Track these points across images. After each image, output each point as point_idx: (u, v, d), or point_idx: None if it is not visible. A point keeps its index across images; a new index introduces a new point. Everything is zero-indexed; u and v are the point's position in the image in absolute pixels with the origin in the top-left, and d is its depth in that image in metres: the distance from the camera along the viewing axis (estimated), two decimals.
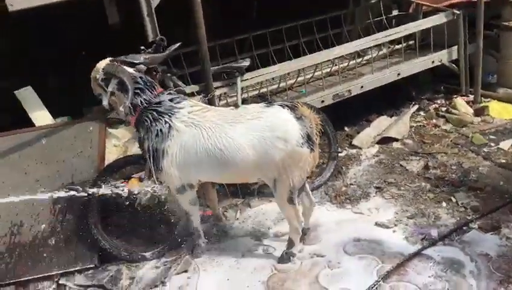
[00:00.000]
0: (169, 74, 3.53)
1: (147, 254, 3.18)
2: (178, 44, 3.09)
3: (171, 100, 2.85)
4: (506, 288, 2.50)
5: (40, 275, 3.13)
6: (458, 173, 3.65)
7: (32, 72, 4.40)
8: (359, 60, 4.48)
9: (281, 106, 2.76)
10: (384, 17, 5.12)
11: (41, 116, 4.11)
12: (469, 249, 2.83)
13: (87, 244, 3.22)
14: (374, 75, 4.36)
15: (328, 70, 4.35)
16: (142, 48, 3.10)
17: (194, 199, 3.04)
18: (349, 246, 3.02)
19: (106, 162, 3.66)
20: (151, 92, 2.84)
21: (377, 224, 3.20)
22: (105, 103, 2.85)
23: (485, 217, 3.08)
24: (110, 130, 4.01)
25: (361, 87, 4.27)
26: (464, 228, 3.02)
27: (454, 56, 4.73)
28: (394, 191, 3.53)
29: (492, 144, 3.99)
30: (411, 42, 4.75)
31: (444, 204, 3.31)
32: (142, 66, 2.87)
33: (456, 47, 4.70)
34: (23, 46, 4.59)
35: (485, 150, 3.93)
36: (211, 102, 3.53)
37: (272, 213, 3.48)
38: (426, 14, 4.87)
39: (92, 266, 3.15)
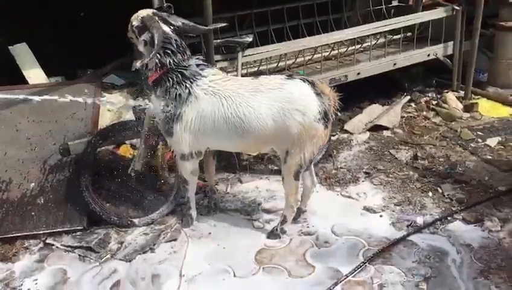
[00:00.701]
0: None
1: (137, 220, 3.20)
2: (224, 24, 3.19)
3: (197, 66, 2.84)
4: (486, 277, 2.60)
5: (27, 233, 3.12)
6: (445, 165, 3.74)
7: (29, 30, 4.31)
8: (357, 46, 4.50)
9: (301, 80, 2.79)
10: (384, 6, 5.15)
11: (35, 74, 4.05)
12: (452, 239, 2.92)
13: (76, 206, 3.22)
14: (371, 63, 4.40)
15: (326, 54, 4.37)
16: None
17: (196, 169, 3.05)
18: (337, 227, 3.09)
19: (99, 126, 3.66)
20: (181, 56, 2.81)
21: (365, 208, 3.27)
22: (139, 48, 2.82)
23: (470, 209, 3.18)
24: (104, 94, 3.98)
25: (358, 73, 4.31)
26: (449, 218, 3.11)
27: (450, 51, 4.80)
28: (383, 177, 3.61)
29: (480, 140, 4.09)
30: (408, 34, 4.80)
31: (430, 194, 3.40)
32: (181, 29, 2.83)
33: (451, 42, 4.77)
34: (22, 4, 4.48)
35: (472, 145, 4.02)
36: None
37: (262, 190, 3.53)
38: (425, 7, 4.93)
39: (80, 227, 3.15)
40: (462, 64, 4.88)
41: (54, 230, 3.13)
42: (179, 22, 2.83)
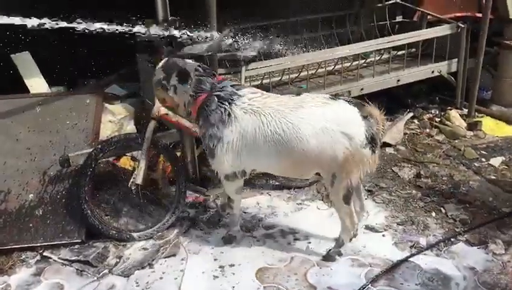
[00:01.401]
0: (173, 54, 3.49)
1: (136, 235, 3.15)
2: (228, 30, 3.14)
3: (232, 86, 2.79)
4: None
5: (24, 245, 3.07)
6: (449, 184, 3.70)
7: (31, 38, 4.28)
8: (361, 62, 4.48)
9: (346, 101, 2.70)
10: (388, 22, 5.15)
11: (36, 83, 4.03)
12: (456, 261, 2.88)
13: (75, 219, 3.17)
14: (374, 79, 4.38)
15: (330, 68, 4.35)
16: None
17: (240, 187, 3.00)
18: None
19: (100, 137, 3.63)
20: (212, 78, 2.79)
21: (367, 227, 3.23)
22: (174, 99, 2.83)
23: (473, 231, 3.14)
24: (106, 105, 3.95)
25: (361, 89, 4.29)
26: (452, 239, 3.07)
27: (454, 68, 4.78)
28: (385, 196, 3.57)
29: (484, 160, 4.06)
30: (412, 50, 4.79)
31: (433, 214, 3.36)
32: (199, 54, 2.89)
33: (456, 60, 4.75)
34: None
35: (476, 164, 3.99)
36: None
37: (263, 206, 3.49)
38: (430, 24, 4.92)
39: (78, 241, 3.10)
40: (465, 82, 4.86)
41: (52, 243, 3.09)
42: (193, 50, 2.87)
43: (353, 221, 2.88)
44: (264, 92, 2.87)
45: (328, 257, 2.92)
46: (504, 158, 4.07)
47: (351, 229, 2.91)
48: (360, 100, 2.78)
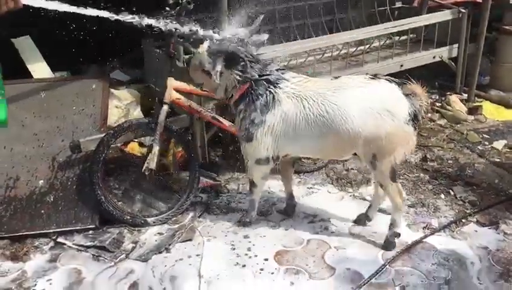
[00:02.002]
0: (181, 39, 3.45)
1: (150, 220, 3.14)
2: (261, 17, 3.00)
3: (277, 70, 2.78)
4: (506, 280, 2.62)
5: (37, 232, 3.04)
6: (455, 167, 3.76)
7: (32, 22, 4.19)
8: (365, 47, 4.49)
9: (387, 80, 2.70)
10: (388, 7, 5.17)
11: (39, 68, 3.95)
12: (469, 241, 2.94)
13: (88, 204, 3.15)
14: (378, 64, 4.40)
15: (335, 54, 4.36)
16: (167, 8, 3.04)
17: (267, 175, 2.99)
18: (354, 229, 3.08)
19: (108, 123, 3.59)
20: (259, 64, 2.76)
21: (379, 210, 3.25)
22: (219, 84, 2.78)
23: (483, 212, 3.20)
24: (112, 90, 3.91)
25: (366, 74, 4.29)
26: (463, 220, 3.13)
27: (454, 54, 4.83)
28: None
29: (487, 143, 4.13)
30: (412, 36, 4.81)
31: (442, 196, 3.41)
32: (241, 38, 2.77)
33: (456, 45, 4.80)
34: None
35: (480, 148, 4.06)
36: None
37: (275, 190, 3.50)
38: (430, 10, 4.95)
39: (92, 226, 3.08)
40: (465, 67, 4.92)
41: (65, 229, 3.06)
42: (235, 36, 2.76)
43: (403, 198, 2.87)
44: (305, 76, 2.87)
45: (387, 242, 2.88)
46: (506, 141, 4.14)
47: (402, 206, 2.88)
48: (402, 78, 2.78)
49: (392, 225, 2.89)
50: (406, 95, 2.65)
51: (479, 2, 4.75)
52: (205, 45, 2.80)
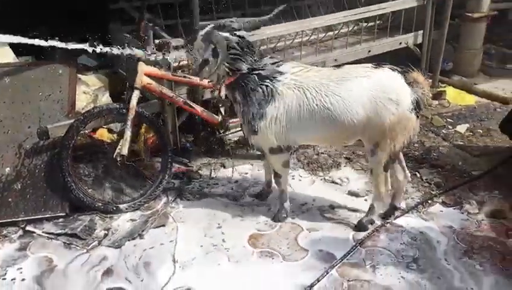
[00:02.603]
0: (151, 24, 3.41)
1: (122, 206, 3.12)
2: (282, 7, 2.99)
3: (273, 64, 2.72)
4: (470, 257, 2.74)
5: (5, 221, 2.97)
6: (420, 150, 3.88)
7: None
8: (334, 32, 4.55)
9: (391, 68, 2.69)
10: None
11: (2, 53, 3.81)
12: (435, 221, 3.05)
13: (57, 192, 3.10)
14: (347, 50, 4.47)
15: (305, 40, 4.39)
16: None
17: (287, 162, 2.93)
18: (326, 211, 3.15)
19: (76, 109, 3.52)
20: (251, 57, 2.68)
21: (349, 193, 3.34)
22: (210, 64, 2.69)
23: (448, 193, 3.32)
24: (79, 76, 3.82)
25: (335, 60, 4.36)
26: (429, 201, 3.24)
27: (419, 40, 4.95)
28: (363, 162, 3.69)
29: (450, 127, 4.27)
30: (379, 22, 4.89)
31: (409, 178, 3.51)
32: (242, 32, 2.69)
33: (421, 32, 4.91)
34: None
35: (444, 131, 4.19)
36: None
37: (247, 175, 3.53)
38: None
39: (62, 214, 3.04)
40: (429, 53, 5.05)
41: (34, 217, 3.01)
42: (236, 24, 2.68)
43: (387, 188, 2.91)
44: (305, 65, 2.82)
45: (361, 226, 2.95)
46: (469, 125, 4.29)
47: (385, 196, 2.94)
48: (404, 67, 2.77)
49: (370, 211, 2.97)
50: (408, 84, 2.66)
51: None
52: (204, 31, 2.71)
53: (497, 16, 5.39)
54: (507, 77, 5.32)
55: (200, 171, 3.55)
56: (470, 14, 5.04)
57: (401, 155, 2.95)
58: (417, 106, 2.68)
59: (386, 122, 2.63)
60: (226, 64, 2.67)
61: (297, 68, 2.77)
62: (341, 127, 2.68)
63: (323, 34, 4.51)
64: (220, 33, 2.64)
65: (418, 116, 2.72)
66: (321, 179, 3.52)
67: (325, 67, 2.81)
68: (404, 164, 3.02)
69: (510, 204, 3.19)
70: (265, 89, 2.69)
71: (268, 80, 2.69)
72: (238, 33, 2.67)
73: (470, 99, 4.82)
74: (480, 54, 5.31)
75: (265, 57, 2.77)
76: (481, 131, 4.20)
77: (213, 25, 2.69)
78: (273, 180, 3.19)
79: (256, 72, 2.70)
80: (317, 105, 2.66)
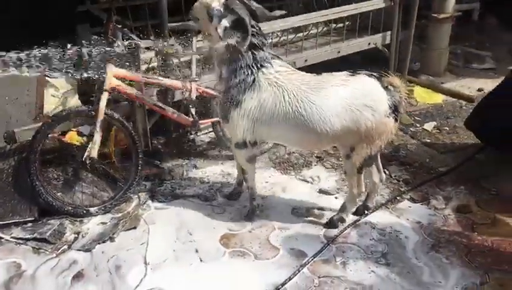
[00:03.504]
0: (120, 26, 3.40)
1: (92, 209, 3.09)
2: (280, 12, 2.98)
3: (269, 53, 2.72)
4: (437, 251, 2.81)
5: None
6: (389, 148, 3.95)
7: None
8: (304, 33, 4.59)
9: (367, 75, 2.71)
10: None
11: None
12: (403, 217, 3.12)
13: (25, 197, 3.05)
14: (317, 51, 4.53)
15: (275, 40, 4.43)
16: None
17: (252, 157, 2.92)
18: (297, 210, 3.18)
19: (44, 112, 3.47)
20: (261, 36, 2.68)
21: (320, 191, 3.38)
22: (210, 31, 2.68)
23: (416, 189, 3.40)
24: (47, 78, 3.76)
25: (306, 60, 4.42)
26: (398, 198, 3.31)
27: (387, 41, 5.04)
28: (334, 161, 3.75)
29: (418, 125, 4.36)
30: (347, 23, 4.97)
31: None
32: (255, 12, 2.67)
33: (389, 32, 5.01)
34: None
35: (412, 129, 4.28)
36: (165, 58, 3.47)
37: (219, 175, 3.54)
38: None
39: (31, 219, 2.99)
40: (398, 53, 5.15)
41: (2, 222, 2.95)
42: (253, 5, 2.67)
43: (361, 190, 2.95)
44: (291, 68, 2.83)
45: (331, 223, 2.98)
46: (436, 123, 4.39)
47: (357, 197, 2.98)
48: (380, 71, 2.80)
49: (342, 210, 3.01)
50: (385, 88, 2.69)
51: None
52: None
53: (461, 17, 5.55)
54: (473, 76, 5.48)
55: (171, 173, 3.54)
56: (435, 15, 5.17)
57: (378, 157, 2.99)
58: (395, 110, 2.70)
59: (362, 129, 2.65)
60: (239, 36, 2.59)
61: (284, 68, 2.76)
62: (314, 134, 2.68)
63: (293, 36, 4.55)
64: (245, 7, 2.61)
65: (396, 120, 2.75)
66: (292, 178, 3.55)
67: (308, 74, 2.81)
68: (380, 166, 3.08)
69: (475, 199, 3.29)
70: (249, 74, 2.67)
71: (255, 66, 2.68)
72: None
73: (437, 98, 4.94)
74: (446, 53, 5.45)
75: (267, 45, 2.76)
76: (448, 128, 4.31)
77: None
78: (242, 177, 3.21)
79: (255, 52, 2.67)
80: (292, 108, 2.66)
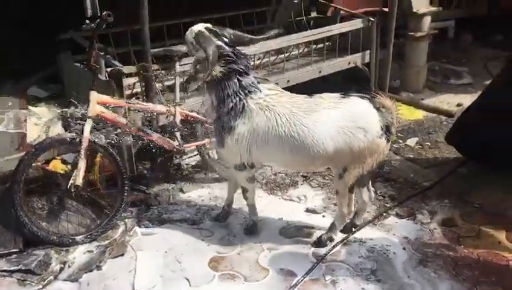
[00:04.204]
0: (102, 53, 3.41)
1: (78, 238, 3.05)
2: (277, 30, 3.11)
3: (255, 78, 2.76)
4: (425, 266, 2.83)
5: None
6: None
7: None
8: (285, 55, 4.66)
9: (359, 96, 2.74)
10: (304, 17, 5.41)
11: None
12: (391, 233, 3.14)
13: (10, 228, 3.00)
14: (298, 71, 4.60)
15: (257, 63, 4.49)
16: (86, 21, 3.00)
17: (252, 178, 2.99)
18: (285, 230, 3.18)
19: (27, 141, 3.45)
20: (245, 61, 2.74)
21: (307, 210, 3.40)
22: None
23: (401, 205, 3.43)
24: (30, 107, 3.76)
25: (288, 81, 4.48)
26: (384, 214, 3.34)
27: (367, 60, 5.15)
28: (320, 180, 3.77)
29: (401, 141, 4.43)
30: (328, 43, 5.07)
31: None
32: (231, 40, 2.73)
33: (368, 51, 5.11)
34: None
35: (395, 145, 4.34)
36: (148, 83, 3.48)
37: (206, 199, 3.53)
38: (342, 19, 5.24)
39: (15, 250, 2.94)
40: (378, 72, 5.25)
41: None
42: (227, 33, 2.74)
43: (350, 210, 2.97)
44: (280, 90, 2.87)
45: (320, 242, 2.99)
46: (418, 139, 4.47)
47: (347, 216, 3.00)
48: (372, 92, 2.86)
49: (331, 229, 3.02)
50: (377, 109, 2.73)
51: (386, 11, 5.11)
52: (199, 27, 2.75)
53: (437, 35, 5.70)
54: (451, 92, 5.62)
55: (158, 198, 3.53)
56: (412, 34, 5.31)
57: (368, 177, 3.02)
58: (387, 131, 2.75)
59: (355, 150, 2.69)
60: (219, 67, 2.68)
61: (273, 91, 2.81)
62: (308, 157, 2.72)
63: (275, 57, 4.62)
64: (213, 39, 2.68)
65: (388, 140, 2.78)
66: (279, 198, 3.57)
67: (299, 95, 2.85)
68: (370, 185, 3.11)
69: (460, 212, 3.34)
70: (238, 101, 2.71)
71: (243, 93, 2.72)
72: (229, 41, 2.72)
73: (418, 114, 5.03)
74: (424, 70, 5.57)
75: (252, 70, 2.82)
76: (429, 143, 4.38)
77: (206, 26, 2.74)
78: (234, 201, 3.27)
79: (240, 78, 2.72)
80: (285, 132, 2.69)
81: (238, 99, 2.72)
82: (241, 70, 2.73)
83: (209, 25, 2.78)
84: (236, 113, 2.72)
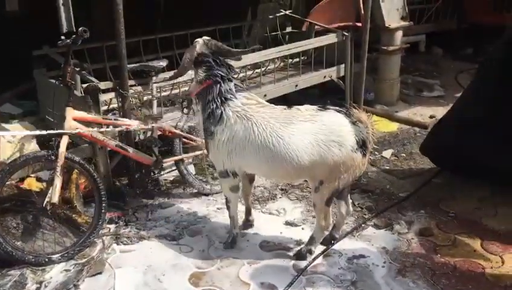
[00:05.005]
0: (78, 69, 3.39)
1: (55, 257, 2.99)
2: (257, 47, 3.33)
3: (235, 86, 2.83)
4: (404, 276, 2.87)
5: None
6: None
7: None
8: (261, 70, 4.71)
9: (335, 110, 2.78)
10: (280, 32, 5.49)
11: None
12: (369, 244, 3.17)
13: None
14: (275, 85, 4.64)
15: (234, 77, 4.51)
16: (62, 38, 2.98)
17: (235, 187, 3.00)
18: (264, 243, 3.18)
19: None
20: (227, 70, 2.81)
21: (286, 223, 3.41)
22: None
23: (379, 216, 3.48)
24: (3, 125, 3.69)
25: (265, 95, 4.50)
26: (363, 225, 3.38)
27: (342, 73, 5.23)
28: (298, 193, 3.80)
29: (377, 153, 4.49)
30: (303, 58, 5.14)
31: None
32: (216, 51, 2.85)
33: (343, 65, 5.20)
34: None
35: (371, 157, 4.39)
36: (124, 99, 3.47)
37: (184, 214, 3.51)
38: (317, 34, 5.33)
39: None
40: (352, 85, 5.34)
41: None
42: (214, 45, 2.83)
43: (328, 223, 2.99)
44: (260, 100, 2.92)
45: (300, 255, 3.00)
46: (393, 150, 4.55)
47: (325, 229, 3.02)
48: (348, 107, 2.93)
49: (310, 242, 3.03)
50: (353, 123, 2.76)
51: (359, 26, 5.22)
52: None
53: (409, 48, 5.84)
54: (424, 104, 5.75)
55: (136, 214, 3.49)
56: (385, 48, 5.43)
57: (346, 190, 3.05)
58: (363, 145, 2.78)
59: (330, 163, 2.72)
60: (202, 72, 2.80)
61: (252, 100, 2.86)
62: (283, 168, 2.75)
63: (252, 72, 4.66)
64: (197, 47, 2.82)
65: (364, 155, 2.81)
66: (259, 212, 3.57)
67: (278, 106, 2.89)
68: (348, 199, 3.14)
69: (436, 222, 3.40)
70: (214, 107, 2.78)
71: (219, 99, 2.78)
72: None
73: (393, 126, 5.13)
74: (398, 83, 5.70)
75: (233, 78, 2.89)
76: (404, 155, 4.47)
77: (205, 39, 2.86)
78: (251, 207, 3.34)
79: (221, 85, 2.78)
80: (261, 142, 2.73)
81: (215, 105, 2.78)
82: (221, 76, 2.79)
83: (206, 38, 2.88)
84: (215, 118, 2.79)
